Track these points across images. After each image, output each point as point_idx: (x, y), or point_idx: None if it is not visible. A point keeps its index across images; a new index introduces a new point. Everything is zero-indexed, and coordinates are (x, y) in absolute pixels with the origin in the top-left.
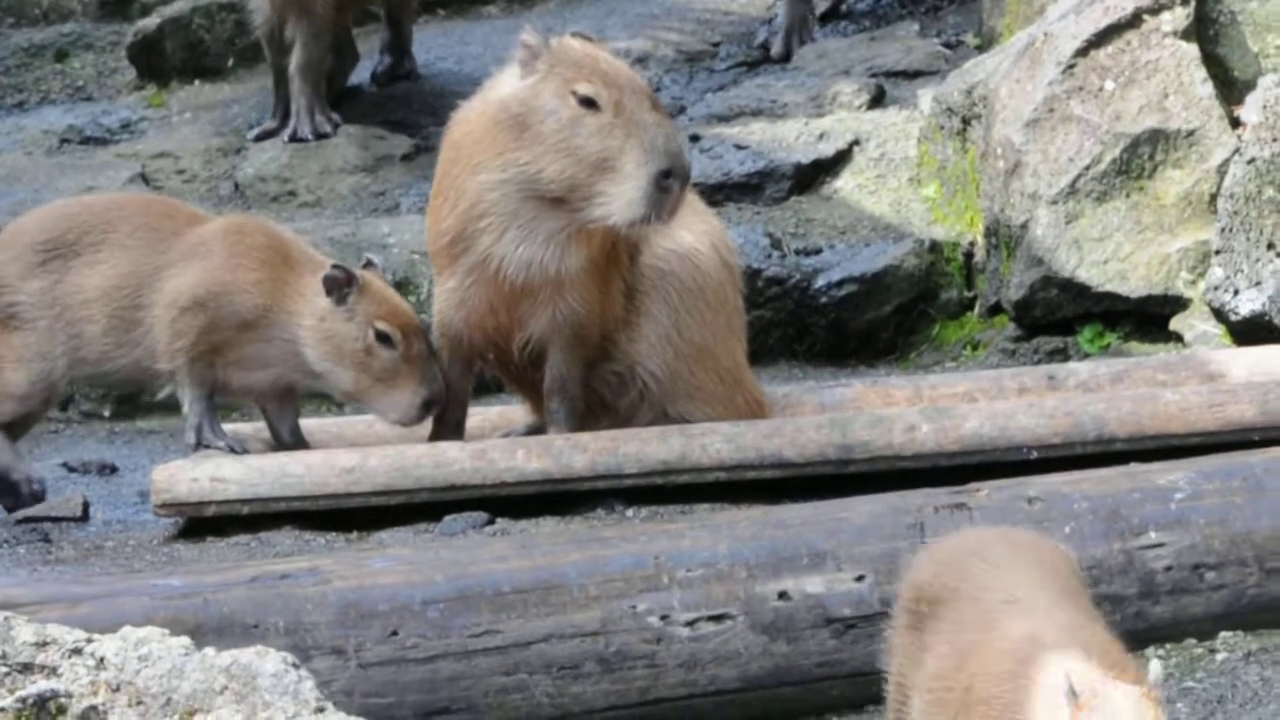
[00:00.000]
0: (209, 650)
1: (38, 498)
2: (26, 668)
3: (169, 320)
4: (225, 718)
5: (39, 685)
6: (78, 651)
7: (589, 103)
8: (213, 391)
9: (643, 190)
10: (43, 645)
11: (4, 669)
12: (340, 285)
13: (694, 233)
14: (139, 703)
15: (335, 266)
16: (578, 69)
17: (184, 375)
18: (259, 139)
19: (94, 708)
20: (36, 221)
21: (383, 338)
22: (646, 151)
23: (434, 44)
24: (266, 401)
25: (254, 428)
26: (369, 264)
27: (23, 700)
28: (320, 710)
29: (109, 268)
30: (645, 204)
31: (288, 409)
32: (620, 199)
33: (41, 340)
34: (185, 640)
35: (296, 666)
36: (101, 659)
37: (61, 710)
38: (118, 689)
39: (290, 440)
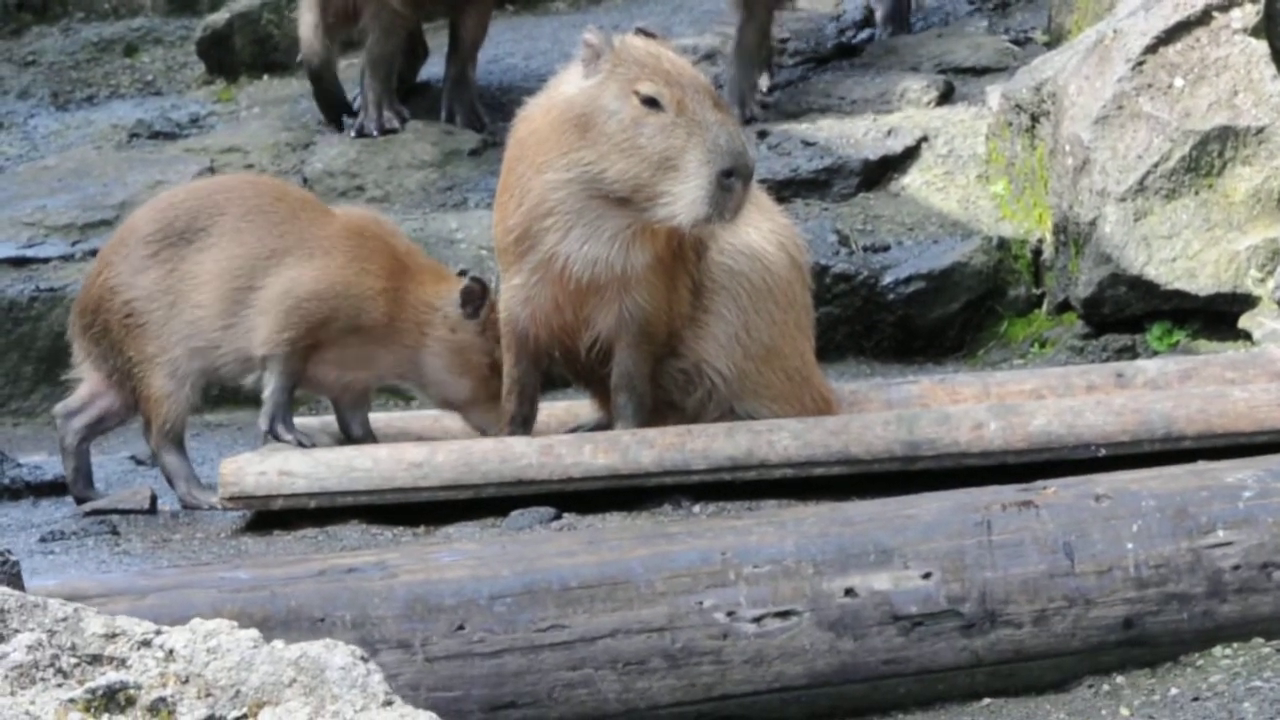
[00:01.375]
0: (278, 643)
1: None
2: (96, 659)
3: (282, 309)
4: (294, 710)
5: (108, 676)
6: (147, 643)
7: (651, 102)
8: (297, 384)
9: (705, 190)
10: (112, 637)
11: (74, 660)
12: (477, 298)
13: (762, 231)
14: (208, 695)
15: (474, 280)
16: (640, 68)
17: (276, 365)
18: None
19: (163, 699)
20: (145, 215)
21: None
22: (709, 151)
23: (502, 40)
24: (343, 396)
25: (321, 422)
26: (462, 273)
27: (92, 691)
28: (388, 704)
29: (220, 252)
30: (708, 203)
31: (361, 404)
32: (683, 198)
33: (161, 336)
34: (254, 633)
35: (365, 660)
36: (170, 651)
37: (131, 701)
38: (186, 681)
39: (360, 434)
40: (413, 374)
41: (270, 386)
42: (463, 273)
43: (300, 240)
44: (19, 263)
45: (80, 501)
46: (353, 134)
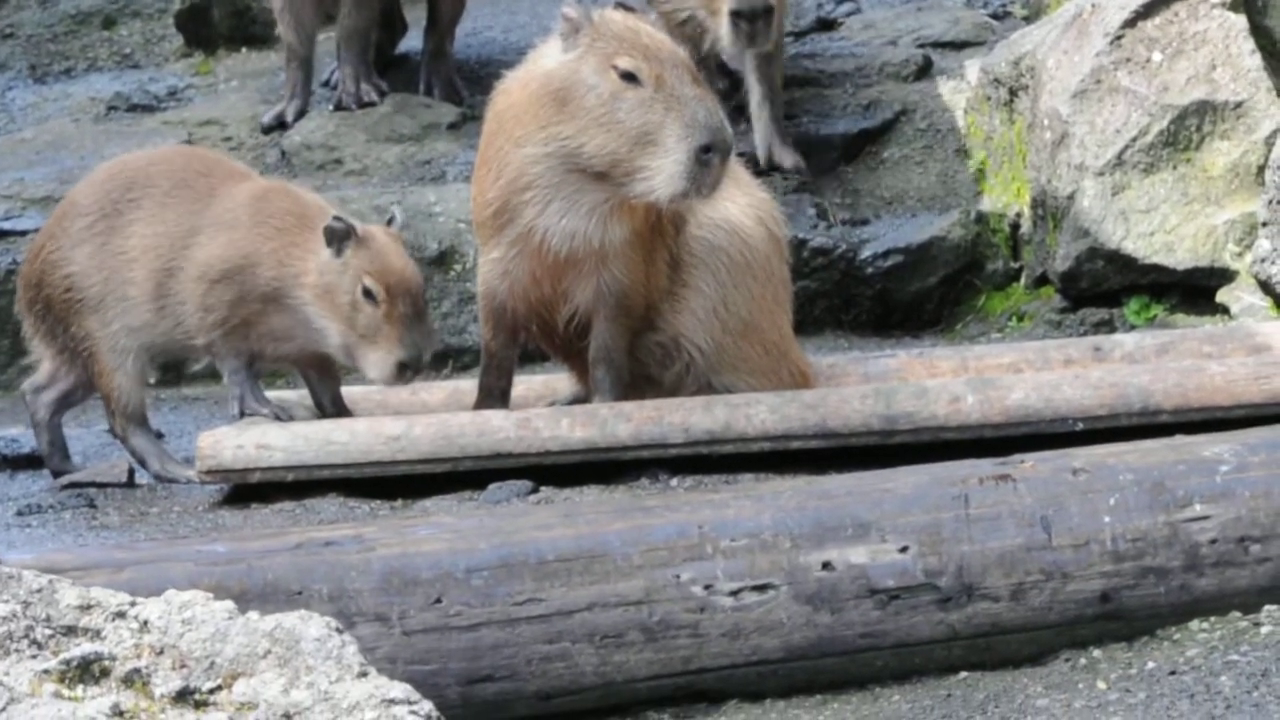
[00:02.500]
0: (252, 614)
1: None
2: (70, 630)
3: (198, 294)
4: (268, 681)
5: (83, 648)
6: (121, 615)
7: (630, 77)
8: (252, 361)
9: (683, 165)
10: (87, 608)
11: (48, 632)
12: (339, 237)
13: (740, 205)
14: (182, 666)
15: (336, 218)
16: (619, 43)
17: (219, 349)
18: (267, 129)
19: (137, 670)
20: (83, 188)
21: (367, 293)
22: (687, 126)
23: (480, 13)
24: (305, 369)
25: (299, 394)
26: (390, 221)
27: (66, 662)
28: (363, 675)
29: (146, 228)
30: (686, 179)
31: (328, 377)
32: (661, 174)
33: (99, 311)
34: (229, 604)
35: (340, 631)
36: (145, 622)
37: (105, 673)
38: (161, 652)
39: (332, 408)
40: (305, 329)
41: (226, 371)
42: (337, 218)
43: (211, 217)
44: None
45: (57, 475)
46: (330, 107)
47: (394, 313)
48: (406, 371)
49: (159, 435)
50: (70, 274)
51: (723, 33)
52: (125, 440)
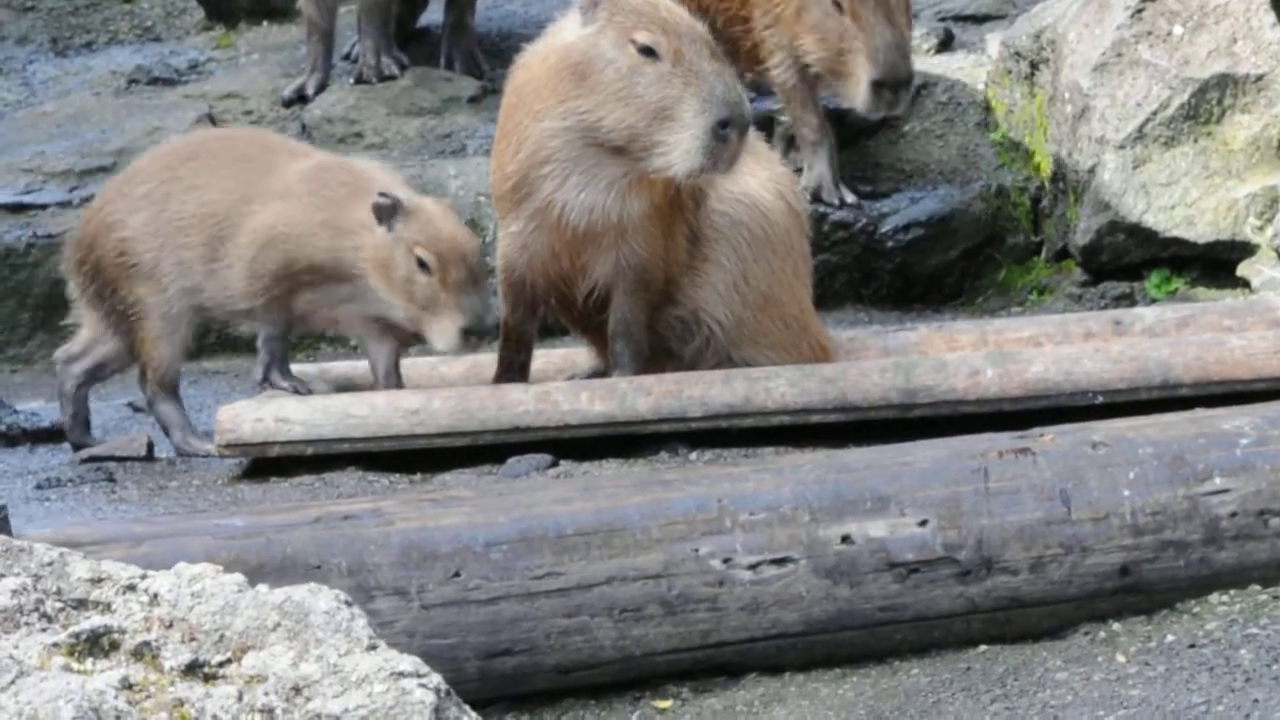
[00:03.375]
0: (262, 587)
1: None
2: (81, 604)
3: (247, 260)
4: (278, 654)
5: (92, 621)
6: (131, 588)
7: (648, 51)
8: (288, 331)
9: (700, 140)
10: (97, 582)
11: (59, 604)
12: (387, 213)
13: (760, 179)
14: (192, 639)
15: (382, 194)
16: (638, 17)
17: (260, 315)
18: (288, 103)
19: (147, 643)
20: (148, 158)
21: (421, 264)
22: (705, 101)
23: None
24: (365, 336)
25: (319, 368)
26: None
27: (76, 635)
28: (372, 648)
29: (204, 194)
30: (703, 154)
31: (385, 344)
32: (678, 148)
33: (153, 276)
34: (239, 577)
35: (349, 604)
36: (155, 595)
37: (115, 646)
38: (170, 625)
39: (384, 381)
40: (372, 303)
41: (261, 336)
42: (383, 194)
43: (265, 187)
44: (16, 209)
45: (77, 448)
46: (351, 81)
47: (449, 280)
48: (471, 337)
49: None
50: (125, 238)
51: (860, 98)
52: (153, 406)
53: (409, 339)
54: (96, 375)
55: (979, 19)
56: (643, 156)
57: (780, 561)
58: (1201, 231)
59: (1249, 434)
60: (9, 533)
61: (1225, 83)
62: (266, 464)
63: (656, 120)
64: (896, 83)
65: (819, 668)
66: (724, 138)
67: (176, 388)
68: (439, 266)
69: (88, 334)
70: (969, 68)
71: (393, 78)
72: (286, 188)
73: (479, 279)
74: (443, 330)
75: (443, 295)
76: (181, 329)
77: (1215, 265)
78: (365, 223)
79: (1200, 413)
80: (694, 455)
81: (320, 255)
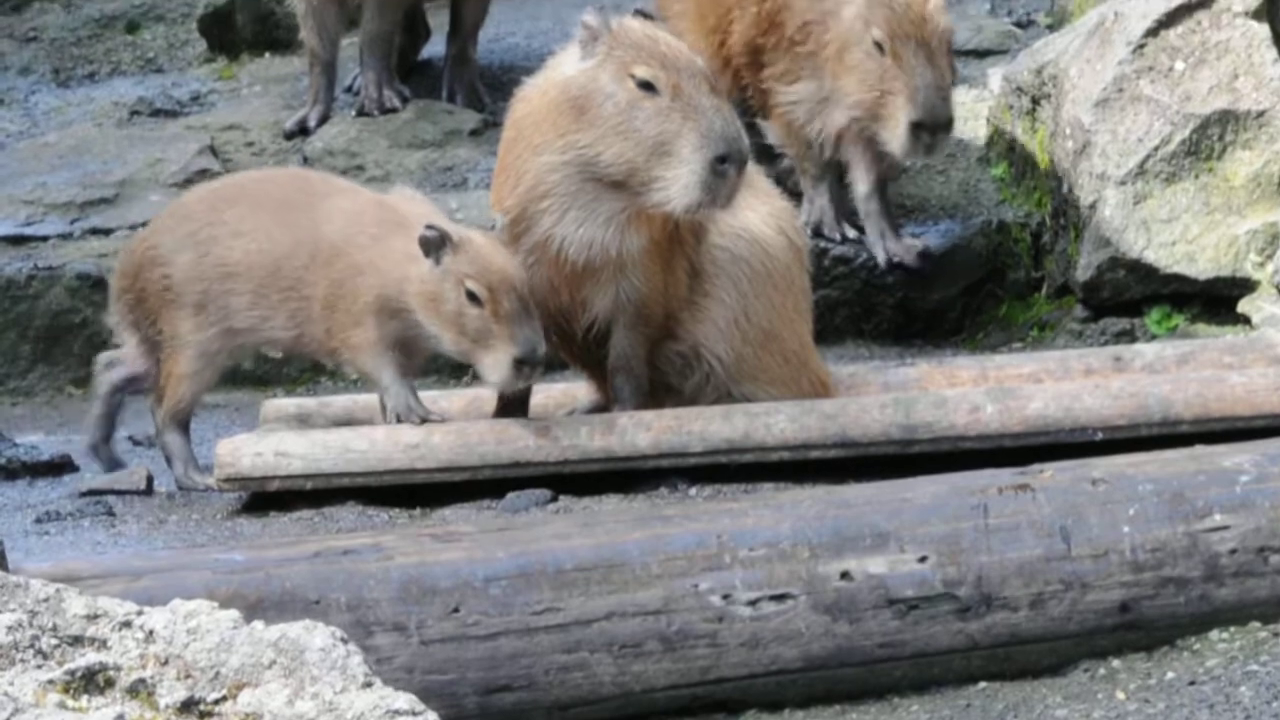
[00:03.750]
0: (257, 624)
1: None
2: (77, 640)
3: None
4: (273, 692)
5: (88, 658)
6: (127, 624)
7: (647, 86)
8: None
9: (699, 175)
10: (93, 618)
11: (54, 641)
12: (435, 246)
13: (760, 214)
14: (187, 676)
15: (429, 227)
16: (637, 51)
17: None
18: (289, 135)
19: (142, 680)
20: (198, 193)
21: (471, 296)
22: (703, 136)
23: (503, 19)
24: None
25: (319, 402)
26: (493, 227)
27: (71, 672)
28: (368, 685)
29: (248, 242)
30: (701, 189)
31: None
32: (677, 184)
33: (198, 315)
34: (234, 613)
35: (345, 641)
36: (151, 632)
37: (110, 683)
38: (166, 662)
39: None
40: (432, 342)
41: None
42: (430, 227)
43: (310, 232)
44: (17, 240)
45: (93, 450)
46: (353, 113)
47: (500, 311)
48: (524, 368)
49: None
50: (169, 275)
51: (898, 141)
52: (160, 434)
53: (418, 371)
54: (131, 385)
55: (981, 54)
56: (641, 191)
57: (780, 598)
58: (1202, 268)
59: (1249, 471)
60: (5, 567)
61: (1226, 119)
62: (266, 498)
63: (655, 155)
64: (935, 125)
65: (819, 704)
66: (722, 173)
67: (188, 423)
68: (490, 298)
69: (128, 351)
70: (970, 103)
71: (394, 110)
72: (330, 230)
73: (530, 309)
74: (495, 362)
75: (495, 327)
76: (213, 368)
77: (1216, 301)
78: (413, 255)
79: (1200, 449)
80: (694, 491)
81: (370, 294)
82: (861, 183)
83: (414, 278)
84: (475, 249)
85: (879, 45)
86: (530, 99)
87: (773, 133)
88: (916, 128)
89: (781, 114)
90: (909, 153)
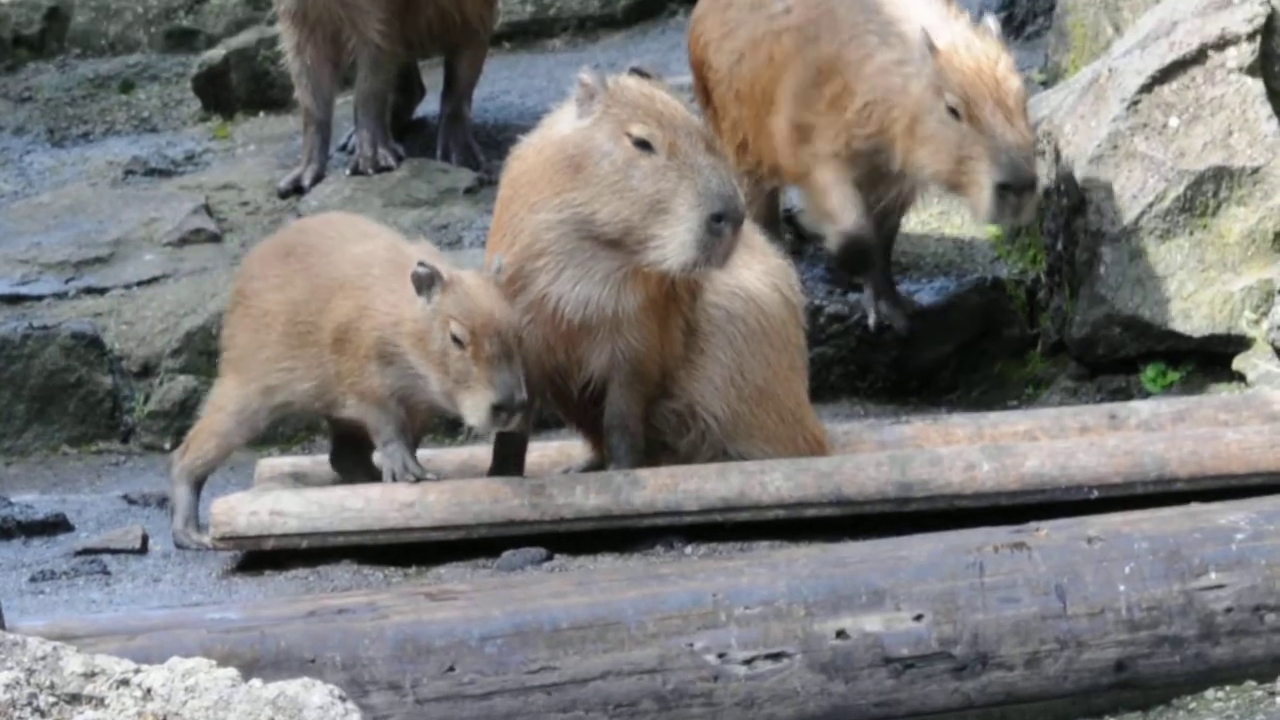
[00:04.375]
0: (255, 682)
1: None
2: (75, 698)
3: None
4: None
5: (86, 716)
6: (125, 682)
7: (643, 144)
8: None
9: (694, 234)
10: (91, 676)
11: (52, 699)
12: (426, 284)
13: (756, 272)
14: None
15: (420, 264)
16: (633, 110)
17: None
18: (284, 194)
19: None
20: (252, 250)
21: (455, 338)
22: (699, 195)
23: (498, 77)
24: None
25: (314, 460)
26: (498, 271)
27: None
28: None
29: (277, 293)
30: (697, 248)
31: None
32: (673, 242)
33: (240, 371)
34: (232, 671)
35: (343, 699)
36: (149, 690)
37: None
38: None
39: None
40: (421, 384)
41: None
42: (422, 264)
43: (325, 278)
44: (13, 300)
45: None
46: (347, 172)
47: (481, 355)
48: (501, 414)
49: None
50: (227, 333)
51: (983, 205)
52: (173, 484)
53: (423, 429)
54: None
55: None
56: (637, 250)
57: (775, 656)
58: (1197, 325)
59: (1244, 529)
60: (2, 626)
61: (1221, 175)
62: (261, 557)
63: (651, 213)
64: (1022, 186)
65: None
66: (718, 232)
67: (203, 481)
68: (473, 340)
69: None
70: None
71: (389, 169)
72: (341, 274)
73: (512, 354)
74: (475, 405)
75: (475, 369)
76: (245, 429)
77: (1211, 359)
78: (409, 298)
79: (1196, 507)
80: (689, 549)
81: (370, 336)
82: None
83: (407, 318)
84: (464, 290)
85: (954, 111)
86: (526, 157)
87: (804, 201)
88: (1003, 189)
89: (831, 182)
90: (996, 216)
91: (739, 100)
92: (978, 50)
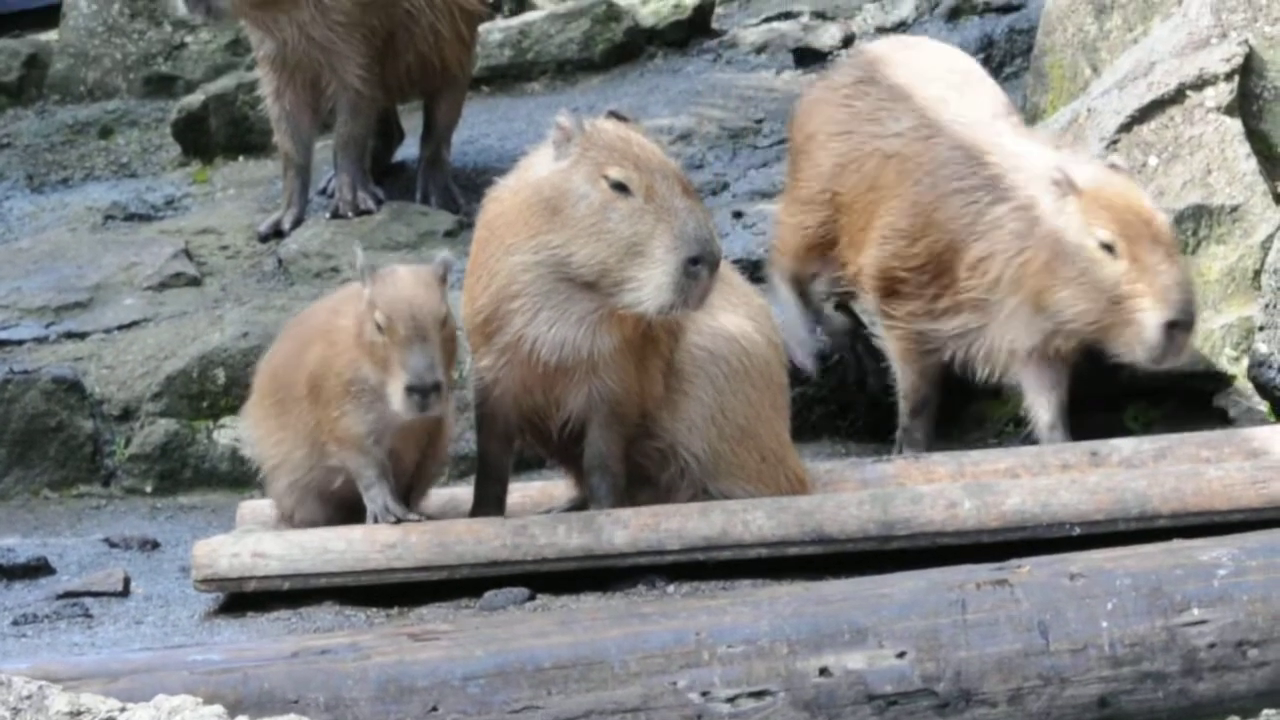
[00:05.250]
0: (241, 719)
1: None
2: None
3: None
4: None
5: None
6: None
7: (620, 187)
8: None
9: (671, 277)
10: (77, 715)
11: None
12: (365, 275)
13: (739, 314)
14: None
15: (364, 261)
16: (610, 152)
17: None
18: (264, 238)
19: None
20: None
21: (377, 326)
22: (676, 237)
23: (477, 120)
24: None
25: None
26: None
27: None
28: None
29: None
30: (674, 290)
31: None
32: (649, 285)
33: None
34: (218, 709)
35: None
36: None
37: None
38: None
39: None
40: (375, 386)
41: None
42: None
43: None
44: None
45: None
46: (327, 215)
47: (396, 338)
48: (414, 395)
49: (155, 545)
50: None
51: (1147, 344)
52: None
53: (410, 473)
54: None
55: None
56: (614, 292)
57: (759, 694)
58: (1178, 362)
59: (1227, 565)
60: None
61: (1200, 214)
62: (243, 599)
63: (628, 256)
64: (1190, 323)
65: None
66: (695, 274)
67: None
68: (389, 326)
69: None
70: None
71: (369, 212)
72: (313, 325)
73: (426, 337)
74: (394, 391)
75: (393, 355)
76: (307, 499)
77: (1192, 396)
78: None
79: (1178, 544)
80: (671, 588)
81: (342, 375)
82: (1044, 409)
83: (362, 331)
84: (392, 280)
85: (1108, 247)
86: (503, 199)
87: (890, 352)
88: (1170, 328)
89: (912, 342)
90: (1160, 355)
91: (834, 205)
92: (1120, 186)
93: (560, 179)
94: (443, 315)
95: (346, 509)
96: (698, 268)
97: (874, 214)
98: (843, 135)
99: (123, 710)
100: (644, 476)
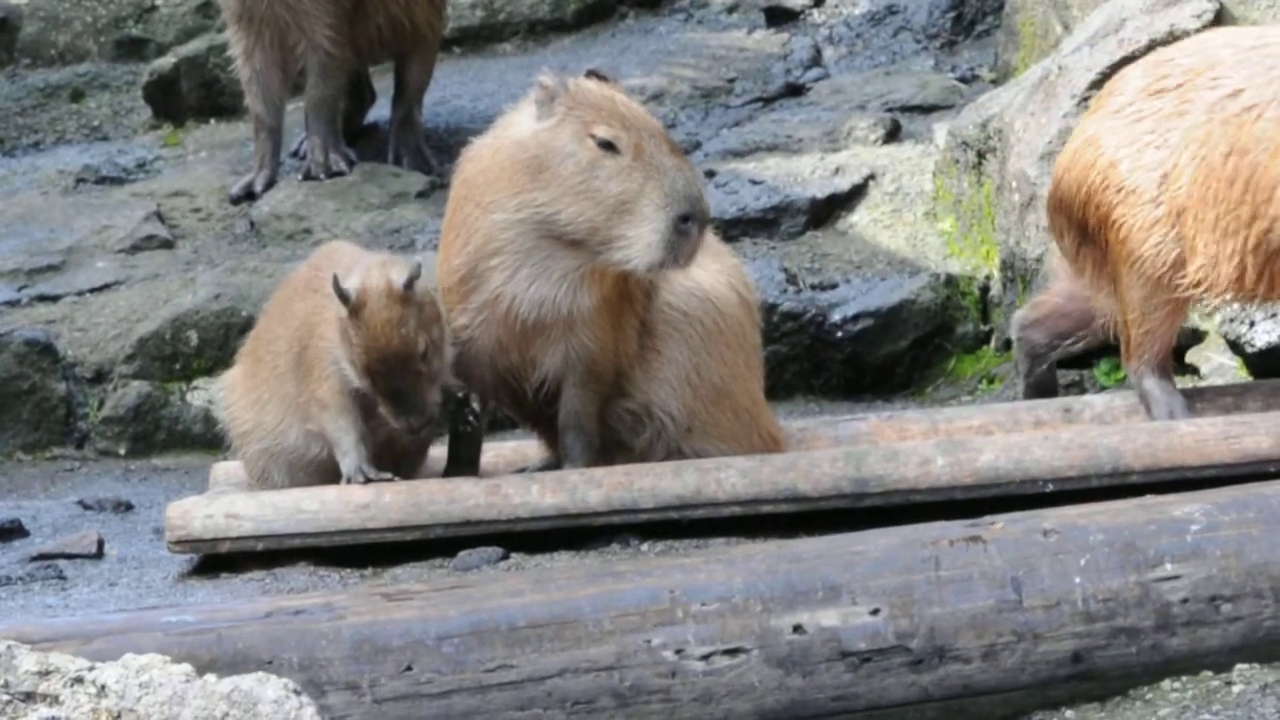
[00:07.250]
0: (210, 677)
1: None
2: (29, 696)
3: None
4: None
5: (40, 713)
6: (79, 680)
7: (608, 146)
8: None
9: (661, 234)
10: (45, 674)
11: (6, 697)
12: (337, 288)
13: (711, 272)
14: None
15: (335, 276)
16: (596, 111)
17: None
18: (236, 200)
19: None
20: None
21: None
22: (666, 195)
23: (448, 82)
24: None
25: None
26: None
27: None
28: None
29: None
30: (664, 248)
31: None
32: (639, 242)
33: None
34: (186, 667)
35: (298, 693)
36: (103, 687)
37: None
38: (119, 716)
39: None
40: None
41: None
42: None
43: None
44: None
45: None
46: (299, 177)
47: (379, 386)
48: (407, 426)
49: (129, 507)
50: None
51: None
52: None
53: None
54: None
55: (926, 109)
56: (601, 250)
57: (732, 652)
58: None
59: (1199, 520)
60: None
61: None
62: (217, 560)
63: (616, 214)
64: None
65: None
66: (685, 232)
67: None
68: (371, 370)
69: None
70: (916, 157)
71: (341, 174)
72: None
73: (408, 372)
74: (385, 411)
75: (380, 389)
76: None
77: None
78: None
79: (1151, 499)
80: (645, 547)
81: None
82: None
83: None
84: (366, 322)
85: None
86: (481, 157)
87: None
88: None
89: None
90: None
91: (1175, 216)
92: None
93: (546, 137)
94: (421, 350)
95: (319, 480)
96: (688, 225)
97: (1261, 178)
98: (1156, 143)
99: (91, 669)
100: (619, 440)
